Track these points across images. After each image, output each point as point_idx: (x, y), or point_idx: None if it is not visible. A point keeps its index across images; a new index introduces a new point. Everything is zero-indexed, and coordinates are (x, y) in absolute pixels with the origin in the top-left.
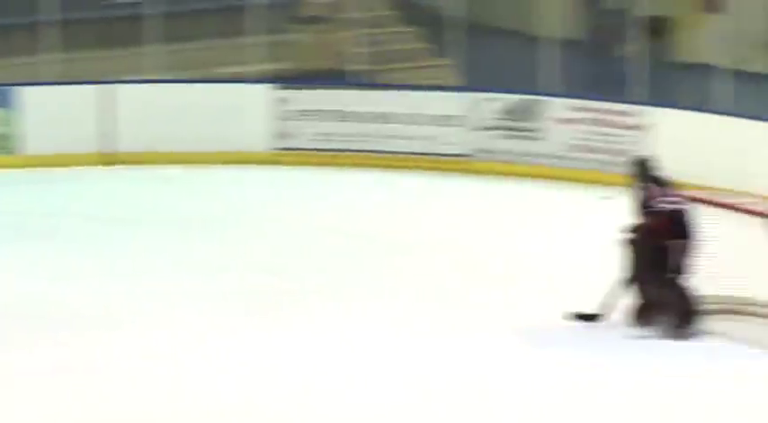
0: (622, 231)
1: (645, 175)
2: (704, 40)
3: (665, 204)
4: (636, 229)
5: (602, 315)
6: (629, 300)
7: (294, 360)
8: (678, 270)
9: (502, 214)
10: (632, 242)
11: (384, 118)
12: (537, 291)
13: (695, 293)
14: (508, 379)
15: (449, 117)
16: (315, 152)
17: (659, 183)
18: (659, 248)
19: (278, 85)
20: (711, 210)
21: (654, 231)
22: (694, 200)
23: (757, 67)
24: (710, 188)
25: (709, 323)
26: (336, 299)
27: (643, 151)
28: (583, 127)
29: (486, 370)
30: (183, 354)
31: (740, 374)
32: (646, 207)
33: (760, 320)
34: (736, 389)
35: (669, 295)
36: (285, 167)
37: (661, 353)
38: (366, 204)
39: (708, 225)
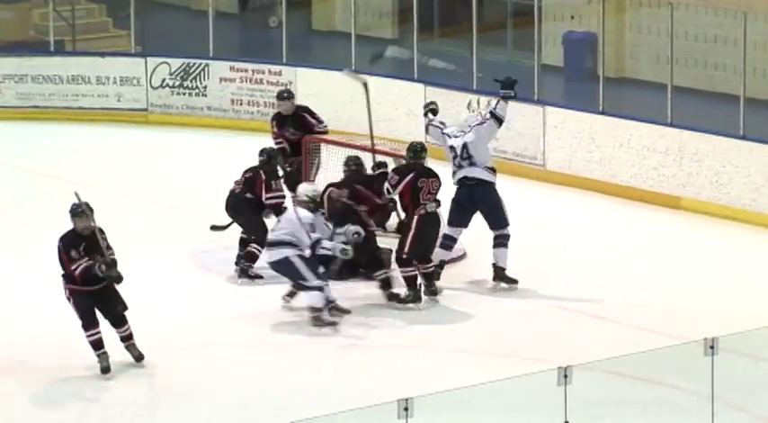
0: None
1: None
2: (335, 12)
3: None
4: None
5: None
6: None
7: None
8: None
9: (177, 158)
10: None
11: (75, 80)
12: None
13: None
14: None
15: (129, 78)
16: (17, 109)
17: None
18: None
19: None
20: (348, 150)
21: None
22: (334, 143)
23: (378, 32)
24: (343, 132)
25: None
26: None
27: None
28: (240, 84)
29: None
30: None
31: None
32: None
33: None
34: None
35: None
36: None
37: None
38: (61, 151)
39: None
